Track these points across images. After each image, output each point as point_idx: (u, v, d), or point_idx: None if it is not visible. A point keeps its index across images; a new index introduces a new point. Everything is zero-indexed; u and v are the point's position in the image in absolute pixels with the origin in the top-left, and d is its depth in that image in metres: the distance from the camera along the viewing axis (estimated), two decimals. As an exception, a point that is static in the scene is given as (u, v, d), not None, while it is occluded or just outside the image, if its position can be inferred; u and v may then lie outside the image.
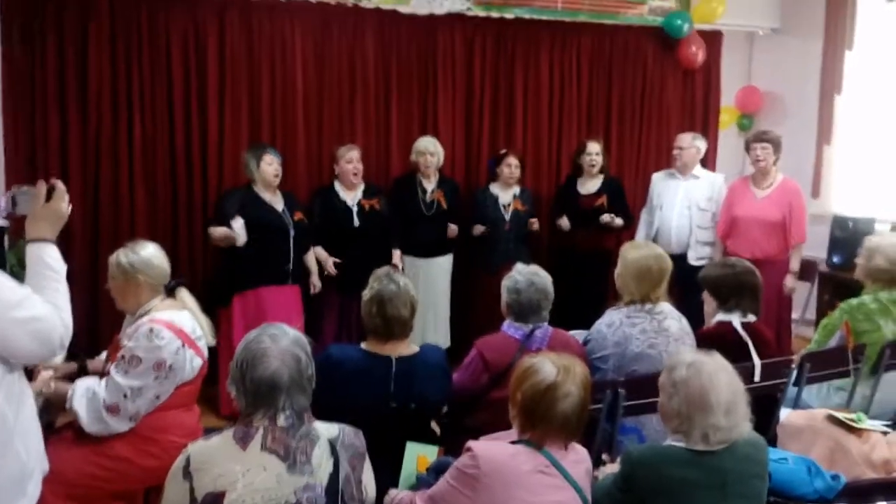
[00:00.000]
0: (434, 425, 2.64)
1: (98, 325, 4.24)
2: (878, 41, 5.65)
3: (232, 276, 4.28)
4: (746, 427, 2.07)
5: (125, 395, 2.53)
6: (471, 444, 2.03)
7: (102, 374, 2.68)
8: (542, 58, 5.68)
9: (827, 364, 3.26)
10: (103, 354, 3.01)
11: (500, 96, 5.63)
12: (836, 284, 5.28)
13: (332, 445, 1.88)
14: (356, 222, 4.68)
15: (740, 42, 6.52)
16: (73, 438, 2.62)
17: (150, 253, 2.76)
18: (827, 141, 5.94)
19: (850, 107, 5.87)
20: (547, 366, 2.04)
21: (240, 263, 4.23)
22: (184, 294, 2.84)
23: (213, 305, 4.15)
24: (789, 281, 4.76)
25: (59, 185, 2.03)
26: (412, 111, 5.40)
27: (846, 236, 5.35)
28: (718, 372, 2.06)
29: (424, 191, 4.98)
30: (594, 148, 5.20)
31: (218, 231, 4.15)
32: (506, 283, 2.92)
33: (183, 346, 2.64)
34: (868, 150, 5.79)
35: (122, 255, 2.71)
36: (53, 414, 2.76)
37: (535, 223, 5.19)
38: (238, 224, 4.12)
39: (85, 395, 2.57)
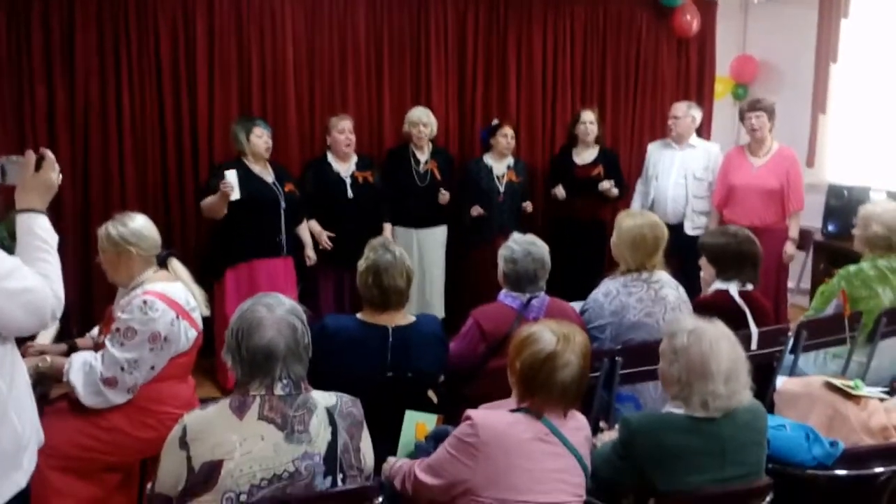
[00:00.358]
0: (431, 394, 2.63)
1: (91, 298, 4.21)
2: (874, 9, 5.61)
3: (224, 249, 4.26)
4: (746, 395, 2.06)
5: (122, 368, 2.52)
6: (470, 412, 2.02)
7: (97, 347, 2.66)
8: (535, 27, 5.62)
9: (823, 332, 3.25)
10: (94, 331, 2.99)
11: (493, 66, 5.58)
12: (832, 253, 5.27)
13: (330, 414, 1.87)
14: (350, 194, 4.65)
15: (735, 11, 6.46)
16: (68, 410, 2.60)
17: (141, 224, 2.71)
18: (822, 110, 5.91)
19: (845, 75, 5.84)
20: (546, 334, 2.02)
21: (231, 236, 4.21)
22: (176, 264, 2.80)
23: (207, 278, 4.13)
24: (789, 248, 4.76)
25: (49, 155, 1.98)
26: (405, 82, 5.34)
27: (841, 205, 5.35)
28: (720, 340, 2.05)
29: (418, 161, 4.95)
30: (588, 116, 5.16)
31: (209, 198, 4.11)
32: (502, 252, 2.90)
33: (177, 317, 2.61)
34: (863, 119, 5.77)
35: (111, 228, 2.67)
36: (48, 385, 2.74)
37: (528, 206, 5.16)
38: (230, 173, 4.01)
39: (82, 368, 2.54)
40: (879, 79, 5.62)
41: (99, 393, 2.53)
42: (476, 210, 5.00)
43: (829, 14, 5.76)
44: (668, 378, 2.10)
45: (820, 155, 5.99)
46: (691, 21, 5.89)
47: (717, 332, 2.07)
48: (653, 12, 5.95)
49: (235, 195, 4.01)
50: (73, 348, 2.88)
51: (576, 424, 2.07)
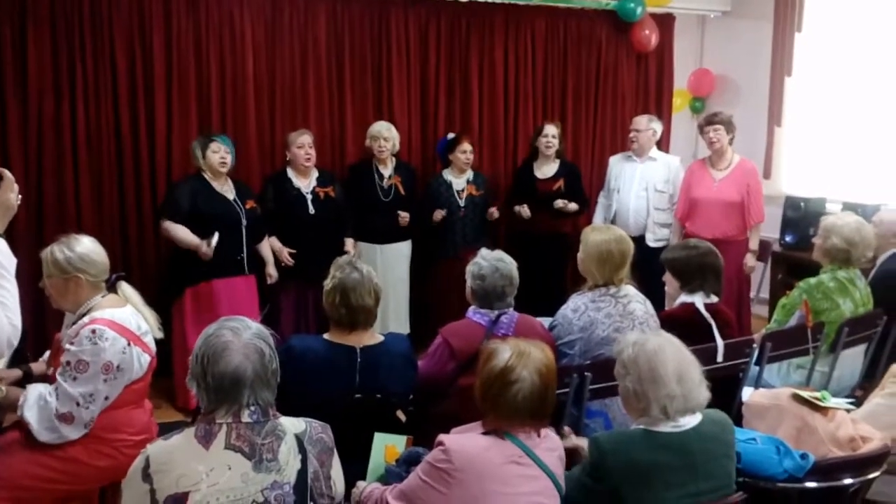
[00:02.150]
0: (400, 414, 2.58)
1: (44, 322, 4.05)
2: (826, 23, 5.73)
3: (184, 268, 4.16)
4: (704, 393, 2.07)
5: (78, 403, 2.42)
6: (442, 437, 1.98)
7: (48, 378, 2.56)
8: (496, 41, 5.64)
9: (787, 343, 3.29)
10: (47, 356, 2.88)
11: (455, 80, 5.58)
12: (790, 264, 5.37)
13: (300, 441, 1.81)
14: (311, 210, 4.59)
15: (692, 25, 6.57)
16: (20, 440, 2.50)
17: (89, 248, 2.58)
18: (778, 122, 6.02)
19: (800, 88, 5.95)
20: (504, 351, 2.01)
21: (191, 255, 4.10)
22: (126, 288, 2.69)
23: (166, 298, 4.04)
24: (749, 260, 4.83)
25: (7, 175, 1.90)
26: (366, 96, 5.30)
27: (798, 216, 5.45)
28: (663, 345, 2.09)
29: (381, 176, 4.91)
30: (551, 130, 5.18)
31: (183, 234, 4.04)
32: (470, 268, 2.87)
33: (129, 343, 2.51)
34: (818, 131, 5.88)
35: (57, 252, 2.54)
36: (1, 414, 2.62)
37: (494, 212, 5.16)
38: (216, 239, 4.01)
39: (37, 403, 2.44)
40: (833, 92, 5.74)
41: (54, 429, 2.43)
42: (439, 213, 4.96)
43: (784, 28, 5.88)
44: (626, 395, 2.11)
45: (776, 167, 6.10)
46: (650, 35, 5.97)
47: (659, 339, 2.12)
48: (612, 27, 6.01)
49: (207, 258, 4.02)
50: (27, 374, 2.77)
51: (549, 445, 2.05)
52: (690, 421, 2.05)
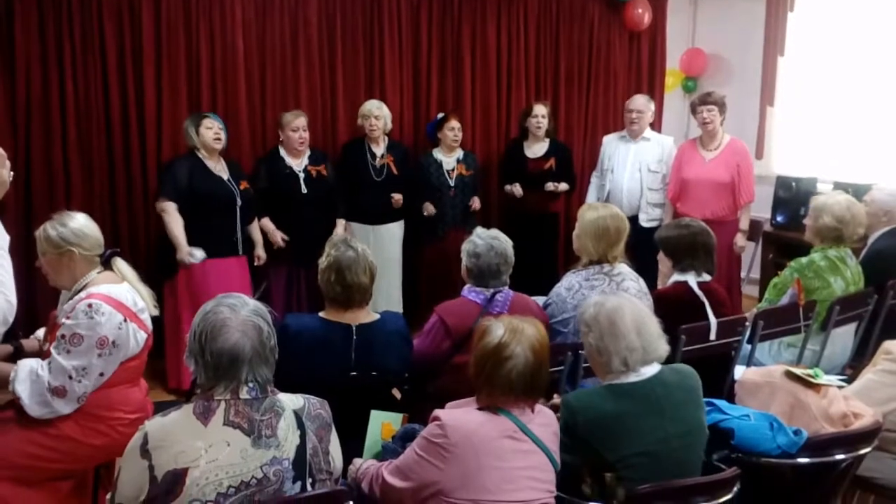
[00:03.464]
0: (395, 392, 2.59)
1: (34, 301, 4.03)
2: (818, 3, 5.72)
3: (176, 249, 4.12)
4: (663, 346, 2.20)
5: (70, 377, 2.40)
6: (437, 413, 1.99)
7: (42, 354, 2.55)
8: (489, 20, 5.61)
9: (779, 321, 3.31)
10: (39, 332, 2.86)
11: (447, 59, 5.55)
12: (780, 244, 5.40)
13: (298, 417, 1.81)
14: (304, 189, 4.56)
15: (684, 4, 6.56)
16: (14, 418, 2.48)
17: (81, 223, 2.58)
18: (770, 102, 6.03)
19: (792, 68, 5.95)
20: (498, 328, 2.02)
21: (187, 235, 4.06)
22: (120, 264, 2.67)
23: (158, 277, 4.01)
24: (740, 240, 4.85)
25: None
26: (358, 75, 5.26)
27: (789, 196, 5.46)
28: (622, 302, 2.23)
29: (374, 155, 4.88)
30: (541, 110, 5.18)
31: (174, 229, 4.03)
32: (466, 247, 2.87)
33: (125, 320, 2.50)
34: (810, 111, 5.89)
35: (50, 229, 2.54)
36: (-7, 392, 2.61)
37: (475, 202, 5.14)
38: (200, 255, 4.01)
39: (28, 377, 2.42)
40: (825, 72, 5.74)
41: (46, 403, 2.41)
42: (427, 209, 4.96)
43: (776, 8, 5.87)
44: (591, 353, 2.24)
45: (768, 147, 6.10)
46: (642, 14, 5.95)
47: (618, 298, 2.27)
48: (605, 5, 6.00)
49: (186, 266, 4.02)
50: (18, 350, 2.74)
51: (543, 420, 2.05)
52: (651, 370, 2.16)
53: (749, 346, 3.26)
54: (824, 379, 2.49)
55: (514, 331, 2.00)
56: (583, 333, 2.25)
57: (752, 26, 6.07)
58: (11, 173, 1.90)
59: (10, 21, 4.29)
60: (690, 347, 2.93)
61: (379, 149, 4.91)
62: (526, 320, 2.07)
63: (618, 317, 2.16)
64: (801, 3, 5.77)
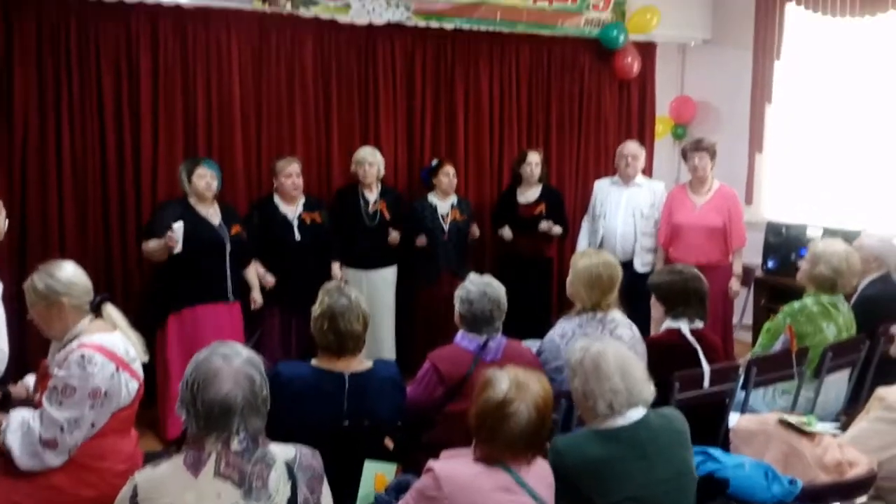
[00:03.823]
0: (388, 441, 2.57)
1: (25, 347, 4.00)
2: (805, 51, 5.83)
3: (167, 294, 4.11)
4: (648, 389, 2.21)
5: (62, 429, 2.38)
6: (431, 464, 1.97)
7: (33, 403, 2.52)
8: (482, 68, 5.70)
9: (773, 368, 3.31)
10: (28, 379, 2.84)
11: (441, 106, 5.62)
12: (772, 289, 5.41)
13: (290, 468, 1.80)
14: (297, 236, 4.57)
15: (673, 53, 6.67)
16: (1, 467, 2.45)
17: (69, 272, 2.58)
18: (759, 149, 6.10)
19: (780, 115, 6.04)
20: (503, 381, 2.00)
21: (175, 281, 4.06)
22: (111, 310, 2.66)
23: (148, 324, 3.99)
24: (734, 285, 4.87)
25: None
26: (353, 121, 5.32)
27: (780, 242, 5.50)
28: (606, 346, 2.26)
29: (367, 201, 4.91)
30: (534, 158, 5.24)
31: (152, 242, 3.99)
32: (459, 293, 2.87)
33: (117, 369, 2.48)
34: (799, 158, 5.96)
35: (38, 281, 2.53)
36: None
37: (475, 230, 5.19)
38: (178, 225, 3.91)
39: (20, 428, 2.40)
40: (813, 118, 5.82)
41: (36, 455, 2.38)
42: (420, 240, 4.97)
43: (763, 56, 5.98)
44: (577, 398, 2.24)
45: (757, 193, 6.16)
46: (632, 63, 6.06)
47: (603, 343, 2.29)
48: (595, 55, 6.10)
49: (179, 248, 3.92)
50: (6, 397, 2.72)
51: (540, 472, 2.04)
52: (636, 414, 2.17)
53: (743, 393, 3.26)
54: (818, 427, 2.49)
55: (518, 386, 1.98)
56: (569, 378, 2.27)
57: (739, 74, 6.18)
58: (7, 221, 1.91)
59: (9, 70, 4.33)
60: (684, 395, 2.92)
61: (372, 195, 4.95)
62: (531, 374, 2.06)
63: (602, 360, 2.18)
64: (788, 52, 5.88)
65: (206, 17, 4.77)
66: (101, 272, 4.45)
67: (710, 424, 3.06)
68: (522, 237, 5.18)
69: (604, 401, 2.15)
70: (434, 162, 5.26)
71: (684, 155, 5.03)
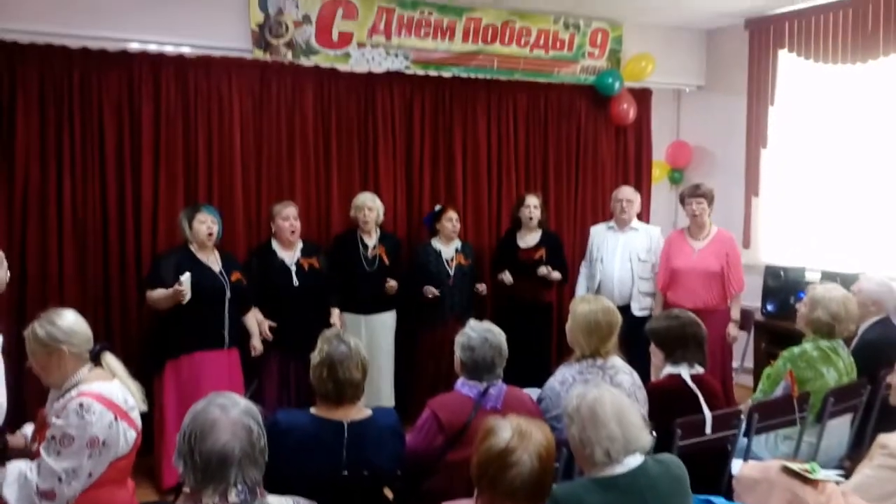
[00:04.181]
0: (387, 492, 2.53)
1: (24, 399, 3.96)
2: (798, 97, 5.91)
3: (165, 341, 4.11)
4: (645, 436, 2.19)
5: (60, 479, 2.35)
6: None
7: (30, 453, 2.49)
8: (479, 114, 5.77)
9: (774, 413, 3.29)
10: (26, 428, 2.81)
11: (439, 152, 5.67)
12: (772, 333, 5.40)
13: (288, 521, 1.77)
14: (295, 282, 4.57)
15: (668, 99, 6.77)
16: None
17: (70, 320, 2.58)
18: (755, 192, 6.15)
19: (775, 159, 6.09)
20: (505, 430, 1.98)
21: (172, 328, 4.06)
22: (110, 359, 2.66)
23: (146, 372, 3.97)
24: (732, 330, 4.86)
25: None
26: (353, 168, 5.37)
27: (778, 285, 5.51)
28: (602, 392, 2.24)
29: (366, 246, 4.93)
30: (532, 201, 5.27)
31: (159, 291, 4.00)
32: (459, 339, 2.85)
33: (116, 418, 2.47)
34: (795, 201, 5.99)
35: (38, 328, 2.53)
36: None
37: (482, 288, 5.21)
38: (186, 277, 3.93)
39: (17, 480, 2.37)
40: (808, 162, 5.87)
41: None
42: (430, 291, 4.99)
43: (757, 102, 6.06)
44: (574, 445, 2.21)
45: (755, 236, 6.19)
46: (628, 109, 6.14)
47: (599, 389, 2.27)
48: (591, 101, 6.18)
49: (187, 299, 3.94)
50: (3, 447, 2.69)
51: (540, 522, 2.01)
52: (634, 461, 2.14)
53: (745, 440, 3.23)
54: (822, 474, 2.45)
55: (521, 435, 1.96)
56: (566, 426, 2.25)
57: (734, 120, 6.25)
58: (8, 273, 1.91)
59: (11, 118, 4.39)
60: (686, 442, 2.89)
61: (371, 240, 4.97)
62: (533, 423, 2.03)
63: (598, 407, 2.17)
64: (781, 97, 5.96)
65: (207, 66, 4.85)
66: (99, 321, 4.45)
67: (712, 472, 3.04)
68: (522, 282, 5.19)
69: (601, 448, 2.13)
70: (437, 207, 5.30)
71: (682, 200, 5.07)
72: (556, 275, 5.19)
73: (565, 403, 2.30)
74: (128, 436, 2.52)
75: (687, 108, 6.82)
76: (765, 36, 5.96)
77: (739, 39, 6.17)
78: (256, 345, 4.41)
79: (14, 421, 3.09)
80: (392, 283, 4.89)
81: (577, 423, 2.19)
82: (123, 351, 3.02)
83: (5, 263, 1.90)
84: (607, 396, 2.21)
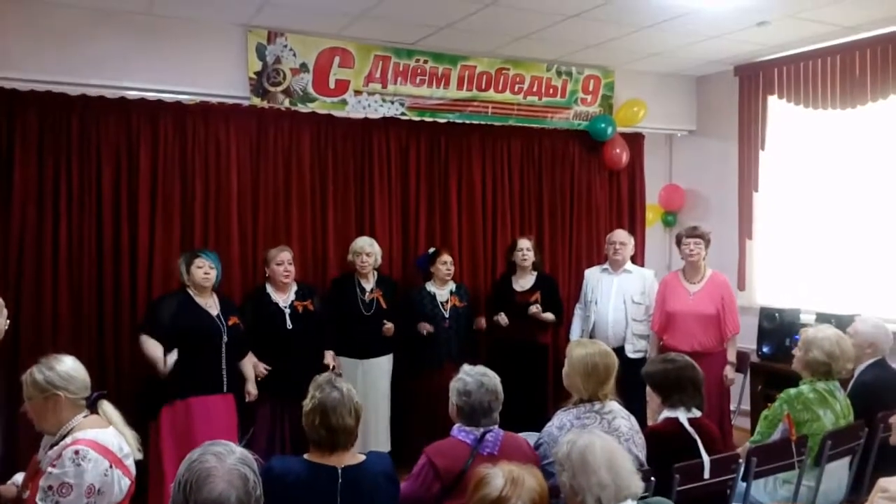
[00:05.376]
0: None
1: (16, 445, 3.93)
2: (788, 142, 5.98)
3: (161, 386, 4.08)
4: (636, 482, 2.17)
5: None
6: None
7: (21, 501, 2.46)
8: (474, 159, 5.83)
9: (773, 457, 3.26)
10: (17, 477, 2.78)
11: (435, 196, 5.72)
12: (768, 374, 5.39)
13: (283, 571, 1.75)
14: (289, 325, 4.58)
15: (661, 143, 6.86)
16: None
17: (69, 366, 2.58)
18: (749, 235, 6.18)
19: (768, 203, 6.14)
20: (497, 479, 1.97)
21: (169, 372, 4.03)
22: (107, 407, 2.64)
23: (142, 418, 3.94)
24: (729, 372, 4.86)
25: None
26: (349, 212, 5.41)
27: (774, 327, 5.51)
28: (593, 439, 2.23)
29: (363, 290, 4.94)
30: (525, 244, 5.31)
31: (150, 347, 4.02)
32: (455, 385, 2.84)
33: (111, 466, 2.44)
34: (789, 244, 6.03)
35: (37, 373, 2.53)
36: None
37: (482, 321, 5.22)
38: (172, 359, 3.99)
39: None
40: (800, 205, 5.92)
41: None
42: (425, 327, 4.98)
43: (748, 147, 6.13)
44: (565, 492, 2.20)
45: (750, 279, 6.21)
46: (620, 154, 6.21)
47: (591, 435, 2.26)
48: (584, 146, 6.26)
49: (164, 373, 4.01)
50: (-6, 500, 2.66)
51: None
52: None
53: (744, 484, 3.20)
54: (822, 519, 2.43)
55: (514, 482, 1.95)
56: (558, 472, 2.24)
57: (726, 164, 6.32)
58: (8, 322, 1.91)
59: (9, 163, 4.42)
60: (685, 487, 2.87)
61: (368, 284, 4.98)
62: (525, 469, 2.03)
63: (588, 453, 2.16)
64: (772, 142, 6.04)
65: (205, 113, 4.91)
66: (93, 365, 4.33)
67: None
68: (518, 324, 5.19)
69: (592, 496, 2.11)
70: (431, 250, 5.32)
71: (678, 241, 5.09)
72: (548, 315, 5.20)
73: (556, 450, 2.29)
74: (122, 484, 2.49)
75: (679, 153, 6.91)
76: (754, 82, 6.06)
77: (729, 85, 6.27)
78: (252, 390, 4.39)
79: (5, 470, 3.06)
80: (389, 326, 4.89)
81: (568, 470, 2.18)
82: (117, 396, 2.99)
83: (5, 312, 1.90)
84: (598, 443, 2.20)
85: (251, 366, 4.44)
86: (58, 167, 4.53)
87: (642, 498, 2.20)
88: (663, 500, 2.26)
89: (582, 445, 2.18)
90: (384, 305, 4.94)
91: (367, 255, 4.92)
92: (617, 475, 2.13)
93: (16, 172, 4.43)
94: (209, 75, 4.84)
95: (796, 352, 3.65)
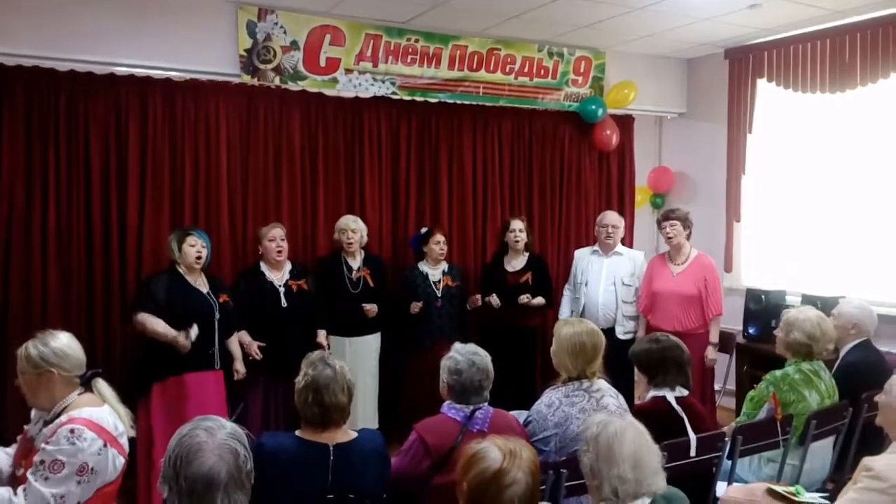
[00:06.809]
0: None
1: (4, 421, 3.92)
2: (776, 125, 6.01)
3: (153, 363, 4.08)
4: (659, 482, 2.10)
5: None
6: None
7: (13, 476, 2.46)
8: (465, 139, 5.82)
9: (758, 436, 3.31)
10: (9, 449, 2.77)
11: (425, 176, 5.72)
12: (754, 355, 5.44)
13: (274, 545, 1.76)
14: (284, 303, 4.58)
15: (650, 126, 6.87)
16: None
17: (64, 343, 2.56)
18: (736, 218, 6.22)
19: (755, 185, 6.18)
20: (493, 452, 1.97)
21: (161, 349, 4.03)
22: (101, 385, 2.63)
23: (131, 395, 3.94)
24: (710, 353, 4.90)
25: None
26: (339, 191, 5.40)
27: (760, 308, 5.55)
28: (626, 428, 2.14)
29: (350, 269, 4.94)
30: (517, 225, 5.31)
31: (159, 324, 4.00)
32: (446, 363, 2.86)
33: (105, 445, 2.43)
34: (775, 226, 6.08)
35: (31, 348, 2.51)
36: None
37: (477, 299, 5.24)
38: (194, 332, 3.98)
39: None
40: (787, 188, 5.97)
41: None
42: (416, 306, 4.99)
43: (737, 130, 6.16)
44: (585, 472, 2.16)
45: (737, 260, 6.26)
46: (611, 135, 6.22)
47: (623, 422, 2.18)
48: (575, 127, 6.26)
49: (185, 350, 3.98)
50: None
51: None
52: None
53: (729, 462, 3.24)
54: (806, 497, 2.47)
55: (512, 455, 1.95)
56: (582, 450, 2.18)
57: (714, 146, 6.35)
58: None
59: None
60: (671, 464, 2.89)
61: (355, 262, 4.98)
62: (517, 442, 2.03)
63: (616, 443, 2.09)
64: (760, 125, 6.06)
65: (195, 90, 4.87)
66: (82, 340, 4.28)
67: (697, 494, 3.04)
68: (508, 306, 5.20)
69: (609, 486, 2.06)
70: (423, 230, 5.32)
71: (658, 224, 5.14)
72: (538, 300, 5.22)
73: (585, 426, 2.23)
74: (117, 462, 2.49)
75: (668, 135, 6.92)
76: (744, 65, 6.08)
77: (719, 68, 6.28)
78: (240, 368, 4.40)
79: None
80: (370, 307, 4.89)
81: (592, 451, 2.13)
82: (107, 373, 2.99)
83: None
84: (629, 434, 2.12)
85: (237, 345, 4.44)
86: (45, 144, 4.48)
87: None
88: (677, 492, 2.22)
89: (611, 432, 2.12)
90: (371, 284, 4.95)
91: (353, 231, 4.92)
92: (640, 472, 2.07)
93: (3, 149, 4.38)
94: (199, 52, 4.79)
95: (778, 333, 3.70)
